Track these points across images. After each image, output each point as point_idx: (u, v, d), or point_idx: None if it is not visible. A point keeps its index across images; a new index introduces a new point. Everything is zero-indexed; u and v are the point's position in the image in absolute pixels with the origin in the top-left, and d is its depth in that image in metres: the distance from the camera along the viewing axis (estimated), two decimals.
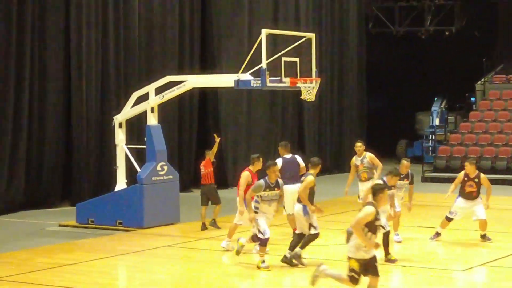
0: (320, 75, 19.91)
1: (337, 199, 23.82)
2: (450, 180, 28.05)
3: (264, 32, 17.15)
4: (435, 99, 35.68)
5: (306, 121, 31.01)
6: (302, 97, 17.97)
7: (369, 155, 17.84)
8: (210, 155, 18.63)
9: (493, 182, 27.18)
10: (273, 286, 12.71)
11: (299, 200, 13.79)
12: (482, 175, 16.58)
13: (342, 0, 32.76)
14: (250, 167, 15.36)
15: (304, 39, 18.39)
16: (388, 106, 40.22)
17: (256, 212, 13.59)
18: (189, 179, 26.02)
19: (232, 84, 17.93)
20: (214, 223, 18.13)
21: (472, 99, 34.21)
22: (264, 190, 13.50)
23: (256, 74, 17.41)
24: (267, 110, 29.25)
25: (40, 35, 22.14)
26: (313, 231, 13.80)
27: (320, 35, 30.12)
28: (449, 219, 16.39)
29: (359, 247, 9.98)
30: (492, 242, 16.27)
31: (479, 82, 33.35)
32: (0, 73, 21.12)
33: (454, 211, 16.34)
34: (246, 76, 17.53)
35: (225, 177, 27.08)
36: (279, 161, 15.90)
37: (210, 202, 18.28)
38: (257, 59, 17.29)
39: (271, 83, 17.41)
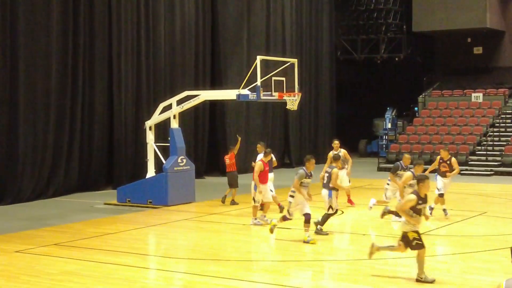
0: (301, 90, 19.97)
1: (317, 184, 23.79)
2: None
3: (259, 58, 17.23)
4: (388, 108, 35.67)
5: (290, 125, 30.98)
6: (287, 107, 18.06)
7: (343, 151, 17.89)
8: (234, 150, 19.02)
9: (432, 171, 27.42)
10: (270, 248, 12.72)
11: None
12: (453, 158, 16.31)
13: (317, 33, 32.69)
14: (263, 158, 15.44)
15: (289, 63, 18.40)
16: (352, 114, 40.17)
17: (292, 196, 13.22)
18: (203, 169, 26.06)
19: (234, 97, 17.97)
20: (233, 202, 18.21)
21: (416, 108, 34.20)
22: (304, 178, 13.27)
23: (252, 90, 17.46)
24: (261, 116, 29.23)
25: (90, 60, 22.11)
26: (330, 211, 13.77)
27: (301, 60, 30.11)
28: (441, 195, 15.97)
29: (408, 223, 9.91)
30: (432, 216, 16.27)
31: (420, 96, 33.32)
32: (59, 88, 21.05)
33: (440, 187, 15.96)
34: (245, 91, 17.56)
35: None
36: (260, 157, 16.42)
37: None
38: (253, 78, 17.35)
39: (264, 96, 17.50)
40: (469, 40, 34.96)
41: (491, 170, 26.70)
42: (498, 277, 10.17)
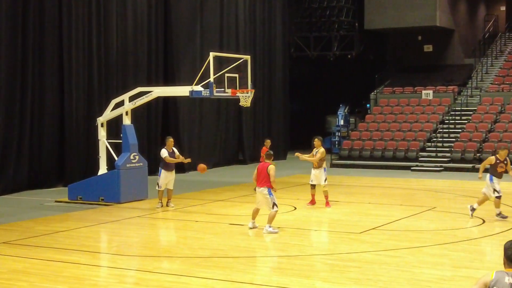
0: (255, 87, 20.01)
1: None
2: (352, 166, 28.70)
3: (211, 54, 17.16)
4: (340, 105, 35.95)
5: (244, 121, 30.96)
6: (240, 104, 18.07)
7: (322, 150, 17.53)
8: (266, 144, 20.48)
9: (383, 167, 27.82)
10: (217, 245, 12.69)
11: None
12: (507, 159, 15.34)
13: (271, 30, 32.74)
14: (268, 161, 14.25)
15: (242, 60, 18.39)
16: (305, 110, 40.45)
17: None
18: (156, 165, 25.83)
19: (187, 94, 17.89)
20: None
21: (368, 105, 34.59)
22: None
23: (205, 86, 17.41)
24: (215, 113, 29.16)
25: (40, 55, 21.72)
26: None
27: (255, 57, 30.16)
28: (498, 197, 15.03)
29: None
30: (382, 212, 16.49)
31: (372, 93, 33.70)
32: (9, 84, 20.67)
33: (499, 189, 15.04)
34: (198, 88, 17.49)
35: (182, 163, 26.90)
36: (164, 152, 17.06)
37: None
38: (207, 74, 17.29)
39: (217, 93, 17.46)
40: (419, 38, 35.53)
41: (440, 166, 27.15)
42: (447, 270, 10.36)
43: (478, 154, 26.89)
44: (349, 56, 36.67)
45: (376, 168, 27.95)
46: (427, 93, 31.87)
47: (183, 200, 18.69)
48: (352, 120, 35.38)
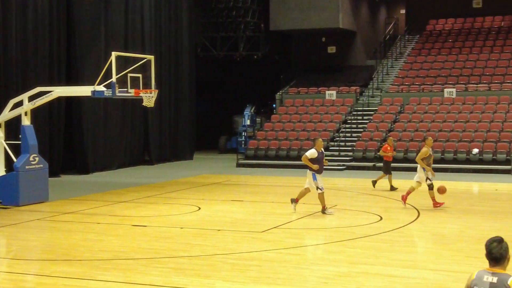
0: (160, 87, 19.99)
1: (175, 181, 23.87)
2: (258, 165, 29.00)
3: (114, 54, 16.96)
4: (247, 105, 36.30)
5: (150, 122, 30.68)
6: (144, 104, 17.95)
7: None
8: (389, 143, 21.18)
9: (288, 167, 28.25)
10: (124, 247, 12.56)
11: None
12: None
13: (177, 30, 32.60)
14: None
15: (145, 59, 18.28)
16: (212, 110, 40.55)
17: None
18: (59, 167, 25.33)
19: (89, 94, 17.64)
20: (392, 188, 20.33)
21: (273, 105, 35.03)
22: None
23: (108, 86, 17.21)
24: (120, 113, 28.76)
25: None
26: None
27: (161, 57, 30.02)
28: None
29: None
30: (285, 211, 16.75)
31: (278, 93, 34.15)
32: None
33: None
34: (100, 88, 17.28)
35: (86, 165, 26.55)
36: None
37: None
38: (110, 74, 17.10)
39: (120, 93, 17.30)
40: (323, 39, 36.30)
41: (343, 165, 27.84)
42: (343, 267, 10.65)
43: (378, 153, 27.68)
44: (255, 57, 37.04)
45: (281, 168, 28.35)
46: (331, 94, 32.61)
47: (85, 202, 18.40)
48: (258, 120, 35.77)
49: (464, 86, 30.67)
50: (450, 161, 26.55)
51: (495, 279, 5.08)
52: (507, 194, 19.66)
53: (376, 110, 31.06)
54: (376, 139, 28.50)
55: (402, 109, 30.75)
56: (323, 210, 15.99)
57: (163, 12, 31.54)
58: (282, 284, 9.75)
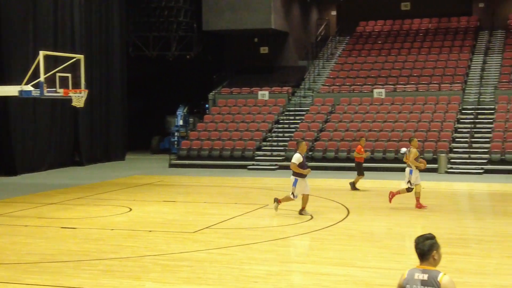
0: (91, 87, 19.70)
1: (106, 182, 23.58)
2: (191, 166, 28.91)
3: (41, 53, 16.65)
4: (180, 105, 36.15)
5: (80, 122, 30.15)
6: (73, 104, 17.68)
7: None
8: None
9: (221, 167, 28.27)
10: (49, 250, 12.32)
11: None
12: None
13: (108, 29, 32.17)
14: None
15: (75, 59, 18.00)
16: (145, 110, 40.19)
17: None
18: None
19: (17, 93, 17.25)
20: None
21: (206, 106, 35.00)
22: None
23: (36, 86, 16.87)
24: (49, 113, 28.14)
25: None
26: None
27: (91, 56, 29.55)
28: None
29: None
30: (217, 211, 16.77)
31: (211, 93, 34.14)
32: None
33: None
34: (28, 87, 16.92)
35: (14, 165, 25.92)
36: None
37: None
38: (39, 74, 16.77)
39: (48, 93, 17.02)
40: (256, 40, 36.48)
41: (275, 165, 28.04)
42: (274, 266, 10.74)
43: (310, 153, 28.03)
44: (188, 57, 36.93)
45: (214, 168, 28.35)
46: (263, 94, 32.80)
47: (12, 204, 17.97)
48: (191, 120, 35.69)
49: (393, 86, 31.36)
50: (380, 160, 27.10)
51: (425, 276, 5.19)
52: (434, 192, 20.20)
53: (307, 110, 31.41)
54: (308, 139, 28.81)
55: (333, 109, 31.19)
56: (301, 211, 15.66)
57: (93, 10, 31.09)
58: (213, 284, 9.76)
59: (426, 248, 5.27)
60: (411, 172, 16.72)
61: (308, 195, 15.62)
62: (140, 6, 36.11)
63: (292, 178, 15.49)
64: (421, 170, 16.97)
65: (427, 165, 17.65)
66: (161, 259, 11.36)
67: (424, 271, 5.23)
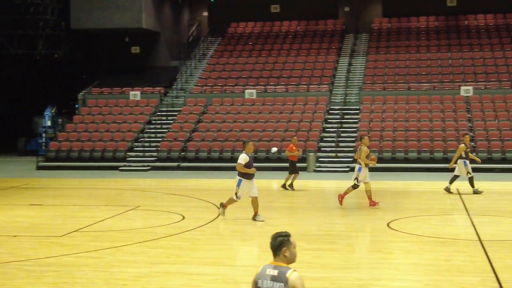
0: None
1: None
2: (60, 167, 28.05)
3: None
4: (48, 105, 35.03)
5: None
6: None
7: None
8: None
9: (92, 168, 27.66)
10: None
11: None
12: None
13: None
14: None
15: None
16: (10, 111, 38.62)
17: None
18: None
19: None
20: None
21: (76, 106, 34.14)
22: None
23: None
24: None
25: None
26: None
27: None
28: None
29: None
30: (86, 213, 16.39)
31: (80, 93, 33.32)
32: None
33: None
34: None
35: None
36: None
37: None
38: None
39: None
40: (127, 39, 36.01)
41: (148, 166, 27.79)
42: (144, 267, 10.65)
43: (183, 153, 28.04)
44: (55, 56, 35.85)
45: (84, 169, 27.72)
46: (135, 94, 32.42)
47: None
48: (59, 121, 34.69)
49: (263, 87, 31.92)
50: None
51: (276, 272, 5.38)
52: (302, 191, 20.73)
53: (180, 110, 31.36)
54: (180, 139, 28.77)
55: (205, 109, 31.31)
56: (254, 216, 15.07)
57: None
58: None
59: (276, 245, 5.48)
60: (359, 169, 16.73)
61: (256, 197, 14.94)
62: (4, 3, 34.65)
63: (237, 178, 14.86)
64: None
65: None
66: (26, 264, 10.97)
67: (275, 267, 5.42)
